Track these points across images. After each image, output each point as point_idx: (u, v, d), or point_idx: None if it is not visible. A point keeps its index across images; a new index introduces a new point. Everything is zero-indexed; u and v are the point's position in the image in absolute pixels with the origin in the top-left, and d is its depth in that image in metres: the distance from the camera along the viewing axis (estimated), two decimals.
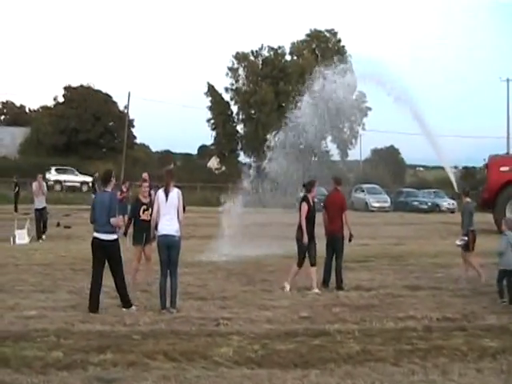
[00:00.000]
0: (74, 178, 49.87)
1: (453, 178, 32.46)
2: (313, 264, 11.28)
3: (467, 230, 12.22)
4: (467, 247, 12.21)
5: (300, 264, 11.30)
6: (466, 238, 12.19)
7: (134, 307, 9.34)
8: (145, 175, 19.09)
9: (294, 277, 11.39)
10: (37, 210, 19.69)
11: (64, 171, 49.75)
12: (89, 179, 45.54)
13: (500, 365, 6.91)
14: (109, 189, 9.65)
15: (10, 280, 11.80)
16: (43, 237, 19.58)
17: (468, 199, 12.64)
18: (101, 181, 9.91)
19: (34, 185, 20.03)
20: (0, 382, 6.02)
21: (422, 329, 8.49)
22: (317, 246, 11.39)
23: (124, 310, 9.29)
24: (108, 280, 9.54)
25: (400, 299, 10.59)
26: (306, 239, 11.07)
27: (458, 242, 12.28)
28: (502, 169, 26.79)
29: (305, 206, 11.33)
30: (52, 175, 48.17)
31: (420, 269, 14.13)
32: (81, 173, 49.93)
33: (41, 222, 19.71)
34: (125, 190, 21.14)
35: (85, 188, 47.03)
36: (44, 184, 20.42)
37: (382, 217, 36.01)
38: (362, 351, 7.34)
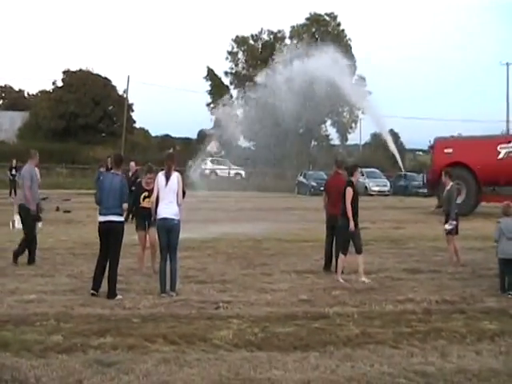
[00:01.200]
0: (227, 170, 51.65)
1: (399, 159, 33.38)
2: (359, 251, 10.73)
3: (455, 213, 12.26)
4: (454, 231, 12.29)
5: (345, 251, 10.74)
6: (455, 223, 12.21)
7: (119, 296, 9.12)
8: (132, 164, 18.67)
9: (343, 267, 10.83)
10: None
11: (218, 162, 52.00)
12: (241, 171, 50.43)
13: (499, 347, 6.94)
14: (119, 172, 9.63)
15: (9, 264, 11.80)
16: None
17: (452, 183, 12.63)
18: (113, 163, 9.84)
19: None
20: (0, 366, 6.03)
21: (422, 311, 8.52)
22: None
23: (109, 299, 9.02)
24: None
25: (399, 282, 10.61)
26: (352, 226, 10.46)
27: (448, 227, 12.24)
28: (447, 151, 27.64)
29: (350, 191, 10.59)
30: (208, 166, 50.35)
31: (419, 252, 14.17)
32: (233, 164, 52.01)
33: None
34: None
35: (238, 178, 50.47)
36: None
37: (382, 201, 36.04)
38: (361, 334, 7.37)
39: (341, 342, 7.08)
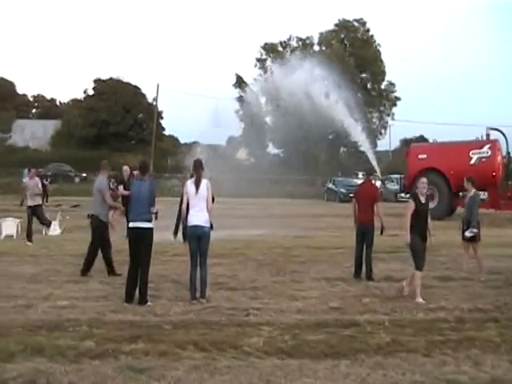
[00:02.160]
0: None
1: (376, 165, 34.29)
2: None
3: (477, 221, 12.14)
4: (474, 238, 12.17)
5: (419, 267, 9.88)
6: (476, 230, 12.06)
7: (149, 303, 9.16)
8: (125, 167, 17.69)
9: (421, 285, 9.87)
10: (30, 207, 17.33)
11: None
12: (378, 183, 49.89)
13: None
14: (146, 178, 9.70)
15: (43, 270, 11.99)
16: (45, 231, 18.14)
17: (474, 189, 12.50)
18: (139, 170, 9.88)
19: (34, 181, 17.43)
20: (35, 371, 6.13)
21: (454, 320, 8.42)
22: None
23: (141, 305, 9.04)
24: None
25: (431, 290, 10.49)
26: (407, 238, 9.85)
27: (468, 234, 12.13)
28: (421, 156, 28.69)
29: (411, 204, 10.11)
30: (358, 179, 51.22)
31: (451, 259, 13.99)
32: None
33: (32, 221, 17.28)
34: (112, 187, 19.98)
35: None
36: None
37: None
38: (392, 342, 7.30)
39: (372, 350, 7.02)
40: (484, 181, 25.97)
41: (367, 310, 9.01)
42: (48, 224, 18.56)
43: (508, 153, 27.99)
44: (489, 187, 26.21)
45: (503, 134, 28.25)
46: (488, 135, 27.80)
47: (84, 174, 51.57)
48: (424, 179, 10.29)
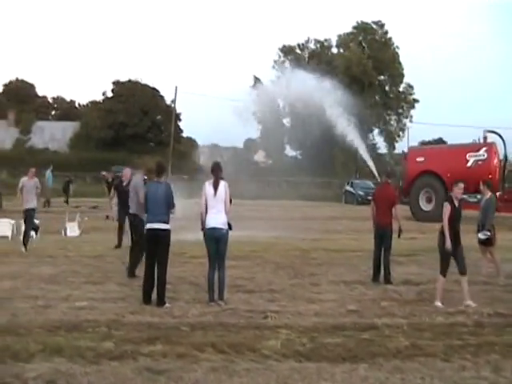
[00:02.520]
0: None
1: (373, 168, 34.51)
2: (462, 272, 9.86)
3: (491, 224, 12.05)
4: (489, 242, 12.05)
5: (444, 272, 9.83)
6: (489, 233, 11.96)
7: (167, 304, 9.18)
8: (127, 170, 16.25)
9: (443, 290, 9.82)
10: (28, 210, 15.62)
11: None
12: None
13: None
14: (163, 180, 9.73)
15: (62, 271, 12.08)
16: (34, 237, 16.45)
17: (490, 193, 12.42)
18: (155, 172, 9.83)
19: (33, 182, 15.85)
20: (55, 371, 6.17)
21: (473, 324, 8.36)
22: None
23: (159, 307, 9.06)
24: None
25: (450, 294, 10.39)
26: (448, 245, 9.57)
27: (482, 237, 12.03)
28: (418, 159, 28.78)
29: (447, 207, 9.78)
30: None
31: (470, 263, 13.77)
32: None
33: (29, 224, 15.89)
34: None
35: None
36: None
37: None
38: (411, 346, 7.26)
39: (390, 353, 6.99)
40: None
41: (385, 313, 8.98)
42: (31, 231, 16.34)
43: (505, 155, 27.91)
44: None
45: (501, 137, 28.20)
46: (485, 138, 27.83)
47: (145, 177, 51.01)
48: (461, 184, 10.09)
